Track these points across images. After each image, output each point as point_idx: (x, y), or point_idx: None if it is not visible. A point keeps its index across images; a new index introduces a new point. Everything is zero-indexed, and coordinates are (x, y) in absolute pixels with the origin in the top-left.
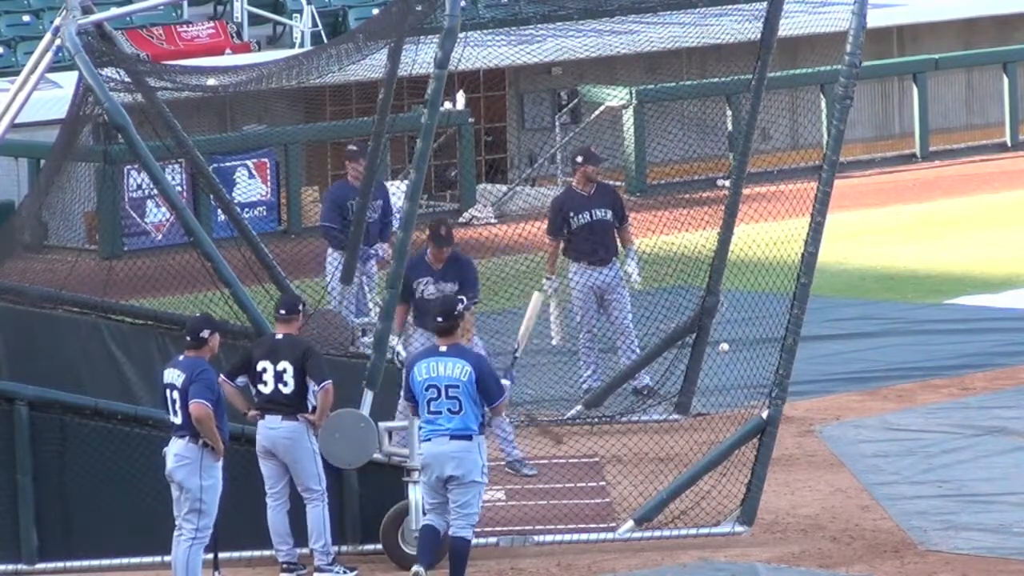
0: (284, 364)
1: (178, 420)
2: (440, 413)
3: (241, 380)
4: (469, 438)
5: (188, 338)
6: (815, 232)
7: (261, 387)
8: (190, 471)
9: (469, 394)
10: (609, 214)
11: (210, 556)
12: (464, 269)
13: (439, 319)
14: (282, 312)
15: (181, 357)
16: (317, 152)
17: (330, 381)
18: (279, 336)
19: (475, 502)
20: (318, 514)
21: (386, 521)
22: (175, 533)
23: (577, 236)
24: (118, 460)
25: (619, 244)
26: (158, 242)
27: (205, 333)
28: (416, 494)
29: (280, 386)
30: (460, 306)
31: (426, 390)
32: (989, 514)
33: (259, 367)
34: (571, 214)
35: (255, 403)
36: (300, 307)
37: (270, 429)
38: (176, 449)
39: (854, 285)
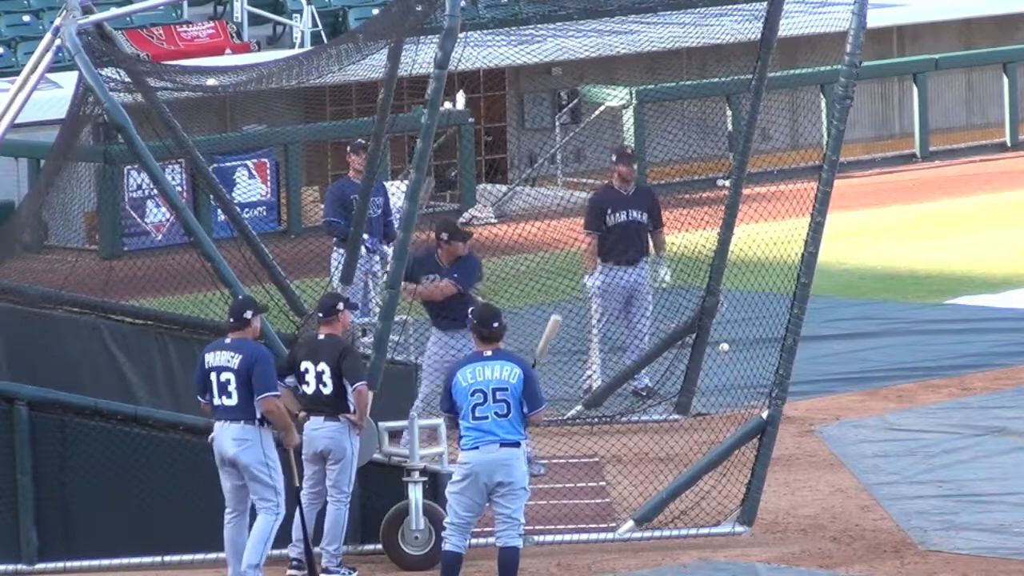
0: (323, 365)
1: (232, 402)
2: (486, 418)
3: (290, 380)
4: (517, 445)
5: (231, 319)
6: (815, 232)
7: (304, 388)
8: (254, 452)
9: (517, 397)
10: (644, 216)
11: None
12: (471, 266)
13: (483, 327)
14: (320, 315)
15: (227, 340)
16: (317, 152)
17: (364, 382)
18: (321, 337)
19: (522, 510)
20: (340, 516)
21: (386, 521)
22: (229, 517)
23: (610, 234)
24: (118, 460)
25: (652, 248)
26: (158, 242)
27: (248, 314)
28: (417, 494)
29: (321, 387)
30: (503, 316)
31: (472, 395)
32: (989, 514)
33: (302, 367)
34: (609, 211)
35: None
36: (339, 307)
37: (313, 430)
38: (234, 434)
39: (854, 285)
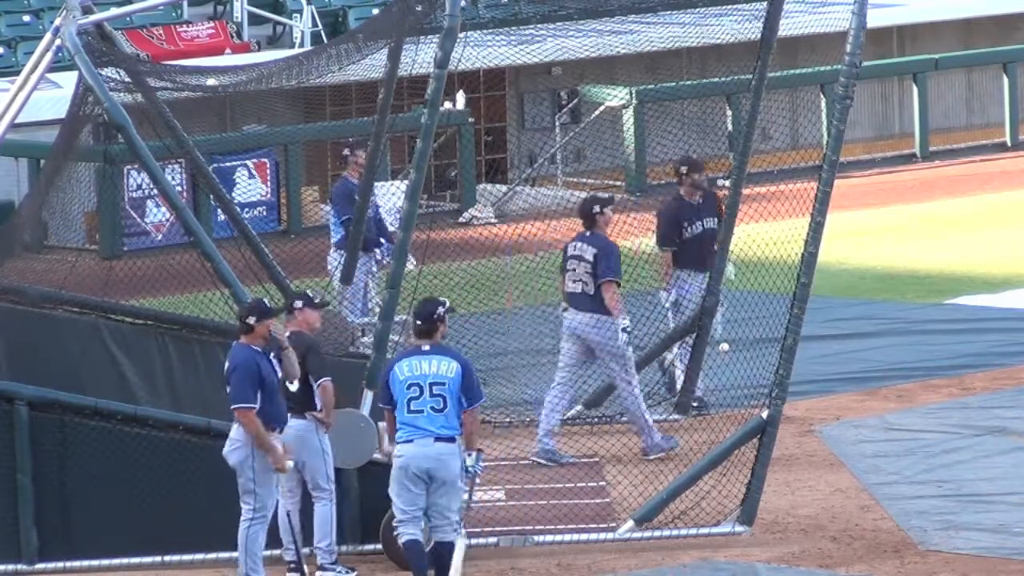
0: None
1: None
2: (421, 412)
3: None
4: (452, 440)
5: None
6: (815, 232)
7: None
8: (240, 454)
9: (454, 392)
10: (715, 222)
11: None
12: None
13: (418, 322)
14: (284, 315)
15: (234, 342)
16: (317, 152)
17: (328, 378)
18: (287, 334)
19: (457, 505)
20: (326, 512)
21: (386, 521)
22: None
23: (688, 245)
24: (118, 460)
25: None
26: (158, 242)
27: (252, 320)
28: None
29: (287, 384)
30: (441, 309)
31: (407, 388)
32: (989, 514)
33: None
34: (686, 224)
35: None
36: (296, 305)
37: None
38: (231, 434)
39: (854, 285)
